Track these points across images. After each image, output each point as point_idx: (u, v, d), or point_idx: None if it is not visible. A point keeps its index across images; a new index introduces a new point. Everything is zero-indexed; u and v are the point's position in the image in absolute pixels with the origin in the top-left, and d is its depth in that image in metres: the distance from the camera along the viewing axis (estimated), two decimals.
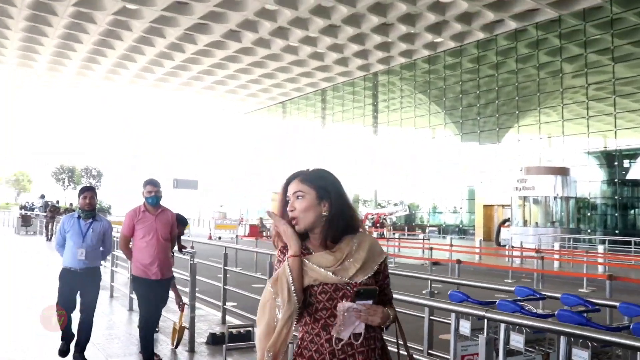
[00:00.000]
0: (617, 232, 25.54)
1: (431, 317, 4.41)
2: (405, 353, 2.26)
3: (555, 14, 27.81)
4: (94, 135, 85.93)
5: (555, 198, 24.23)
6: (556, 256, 16.20)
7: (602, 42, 26.95)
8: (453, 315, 3.44)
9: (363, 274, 2.11)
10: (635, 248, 20.57)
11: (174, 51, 35.40)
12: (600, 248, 15.67)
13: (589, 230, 26.94)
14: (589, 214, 27.92)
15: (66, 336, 5.43)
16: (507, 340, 2.91)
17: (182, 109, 57.14)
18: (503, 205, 29.44)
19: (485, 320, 2.98)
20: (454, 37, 31.98)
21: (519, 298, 3.54)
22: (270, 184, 50.20)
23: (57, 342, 5.41)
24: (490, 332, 3.35)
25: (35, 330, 6.57)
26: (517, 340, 2.96)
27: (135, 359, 5.52)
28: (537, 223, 24.24)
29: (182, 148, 68.99)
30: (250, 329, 6.52)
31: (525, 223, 24.15)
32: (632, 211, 27.13)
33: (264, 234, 29.49)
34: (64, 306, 5.40)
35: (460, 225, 34.66)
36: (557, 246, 17.82)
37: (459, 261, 8.19)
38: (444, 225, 35.95)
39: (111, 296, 9.55)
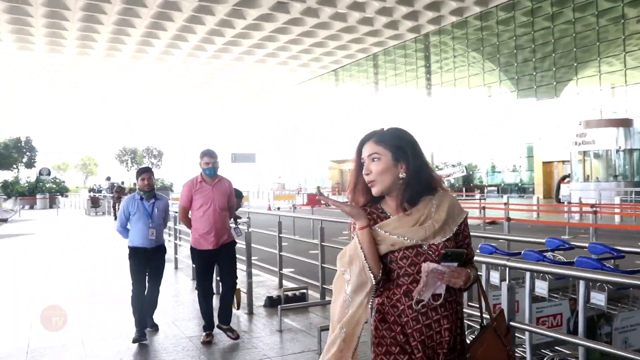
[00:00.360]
0: None
1: None
2: (487, 315, 2.21)
3: None
4: (153, 116, 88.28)
5: (617, 151, 23.45)
6: (617, 210, 15.84)
7: None
8: (483, 266, 3.60)
9: (442, 235, 2.04)
10: None
11: (224, 27, 35.85)
12: None
13: None
14: None
15: (142, 322, 5.51)
16: (532, 287, 3.06)
17: (236, 84, 57.83)
18: (563, 162, 28.69)
19: (507, 269, 3.14)
20: None
21: (549, 249, 3.67)
22: (326, 152, 50.58)
23: (131, 328, 5.51)
24: (520, 281, 3.52)
25: (109, 311, 7.04)
26: (542, 287, 3.11)
27: (199, 322, 5.88)
28: (597, 178, 23.58)
29: (239, 122, 70.01)
30: (304, 291, 6.86)
31: (585, 178, 23.53)
32: None
33: (322, 202, 29.96)
34: (138, 286, 5.58)
35: (519, 184, 34.04)
36: (617, 200, 17.34)
37: (508, 219, 8.25)
38: (502, 185, 35.42)
39: (175, 268, 10.10)
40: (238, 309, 6.33)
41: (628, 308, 3.38)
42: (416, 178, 2.05)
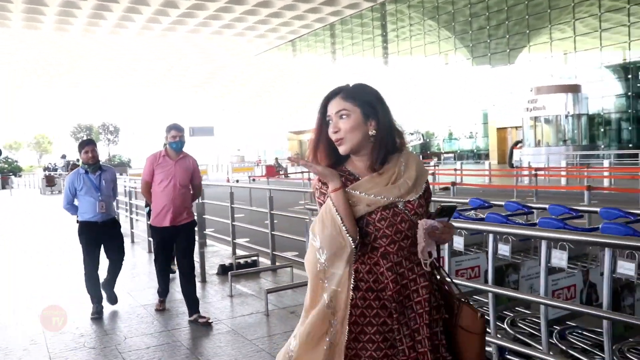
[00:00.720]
0: (630, 146, 25.55)
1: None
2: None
3: None
4: (108, 91, 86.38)
5: (566, 116, 24.20)
6: (563, 173, 16.52)
7: None
8: None
9: (415, 193, 1.98)
10: None
11: None
12: (606, 163, 15.93)
13: (602, 146, 26.90)
14: (602, 130, 27.83)
15: (97, 297, 5.48)
16: (495, 250, 3.26)
17: (192, 56, 57.11)
18: (516, 127, 29.46)
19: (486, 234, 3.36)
20: None
21: (509, 212, 3.88)
22: (285, 123, 50.58)
23: (88, 306, 5.53)
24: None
25: (65, 288, 7.14)
26: (504, 250, 3.33)
27: (154, 292, 6.03)
28: (548, 143, 24.34)
29: (196, 96, 69.20)
30: (255, 258, 7.12)
31: (537, 143, 24.27)
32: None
33: (280, 172, 30.27)
34: (91, 261, 5.47)
35: (475, 150, 34.84)
36: (563, 164, 18.05)
37: (453, 183, 8.61)
38: (459, 152, 36.20)
39: (132, 242, 10.19)
40: None
41: (530, 257, 3.66)
42: (387, 135, 1.98)
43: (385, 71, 41.04)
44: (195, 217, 6.06)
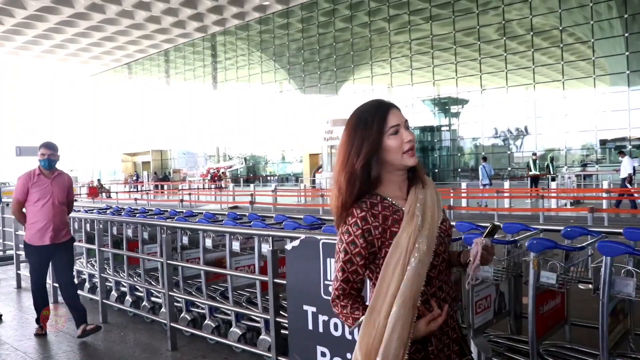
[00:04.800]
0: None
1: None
2: None
3: None
4: None
5: None
6: None
7: (414, 4, 31.09)
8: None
9: (440, 210, 1.91)
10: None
11: (3, 16, 34.99)
12: None
13: None
14: None
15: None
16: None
17: (26, 76, 55.43)
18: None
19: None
20: (280, 1, 34.69)
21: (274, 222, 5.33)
22: (120, 144, 50.75)
23: None
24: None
25: None
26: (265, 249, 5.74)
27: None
28: None
29: (28, 115, 66.57)
30: None
31: (333, 169, 27.48)
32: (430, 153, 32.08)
33: (103, 194, 31.61)
34: None
35: (291, 174, 38.05)
36: None
37: (235, 206, 11.07)
38: (276, 174, 39.02)
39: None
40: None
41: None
42: None
43: (215, 98, 43.01)
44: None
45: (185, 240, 5.54)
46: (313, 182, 29.19)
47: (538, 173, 20.39)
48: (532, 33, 27.37)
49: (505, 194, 16.95)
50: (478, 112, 30.09)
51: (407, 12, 31.63)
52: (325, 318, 3.44)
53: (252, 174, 39.60)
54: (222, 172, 35.50)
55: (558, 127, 27.06)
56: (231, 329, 4.89)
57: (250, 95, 40.26)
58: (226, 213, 6.38)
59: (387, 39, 32.97)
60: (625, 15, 24.71)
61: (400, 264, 1.75)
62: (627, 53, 24.88)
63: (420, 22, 31.29)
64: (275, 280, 3.92)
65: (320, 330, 3.47)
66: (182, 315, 5.51)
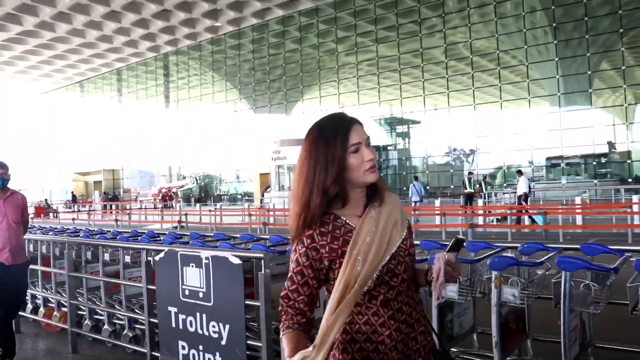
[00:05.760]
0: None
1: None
2: None
3: (313, 4, 32.47)
4: None
5: None
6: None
7: (362, 26, 32.14)
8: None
9: (403, 228, 1.85)
10: None
11: None
12: None
13: None
14: None
15: None
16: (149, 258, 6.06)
17: None
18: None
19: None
20: (231, 22, 35.30)
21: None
22: (72, 163, 50.29)
23: None
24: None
25: None
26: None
27: None
28: (290, 188, 28.24)
29: None
30: None
31: (281, 188, 27.98)
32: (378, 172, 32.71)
33: (50, 214, 31.63)
34: None
35: (242, 193, 38.55)
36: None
37: (179, 222, 11.52)
38: (227, 193, 39.46)
39: None
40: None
41: None
42: None
43: (167, 117, 43.19)
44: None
45: (89, 255, 6.00)
46: (261, 201, 29.63)
47: (472, 191, 21.32)
48: (471, 56, 28.65)
49: (437, 212, 17.81)
50: (423, 132, 31.21)
51: (354, 35, 32.64)
52: (184, 317, 3.98)
53: (204, 193, 39.76)
54: (174, 192, 35.62)
55: (497, 146, 28.26)
56: (124, 332, 5.40)
57: (202, 114, 40.64)
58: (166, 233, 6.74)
59: (335, 60, 33.91)
60: (555, 42, 26.17)
61: (339, 290, 1.72)
62: (557, 76, 26.27)
63: (369, 43, 32.35)
64: (148, 286, 4.44)
65: (181, 327, 3.99)
66: (85, 321, 5.97)
